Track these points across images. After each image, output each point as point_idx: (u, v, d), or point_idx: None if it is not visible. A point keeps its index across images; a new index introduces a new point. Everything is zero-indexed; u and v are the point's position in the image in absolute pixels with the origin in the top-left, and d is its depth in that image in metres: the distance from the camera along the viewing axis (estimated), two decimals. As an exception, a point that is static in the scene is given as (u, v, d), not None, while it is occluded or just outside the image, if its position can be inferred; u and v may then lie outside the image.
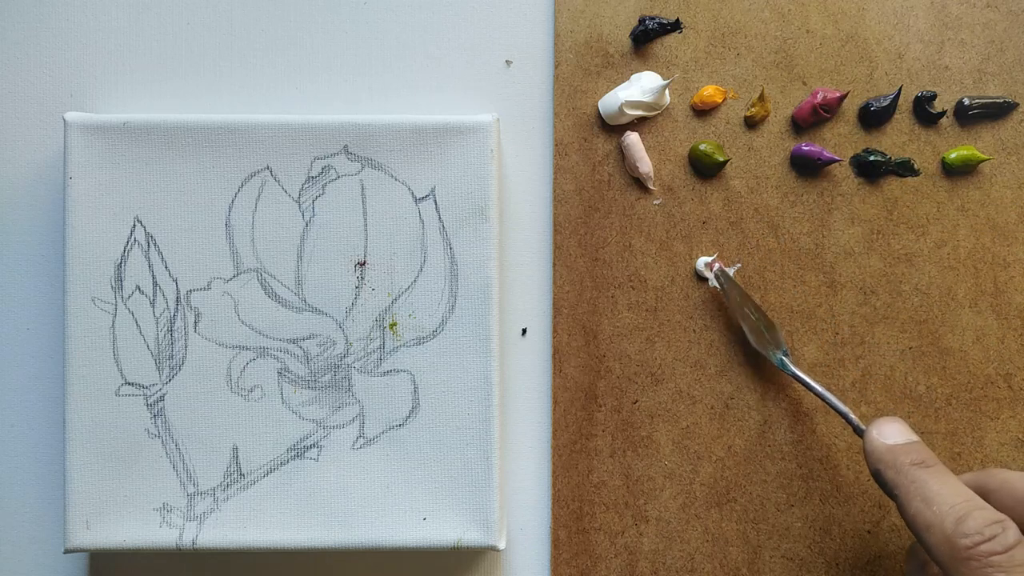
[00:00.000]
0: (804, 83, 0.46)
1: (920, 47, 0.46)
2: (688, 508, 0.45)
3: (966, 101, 0.45)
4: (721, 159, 0.45)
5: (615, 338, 0.45)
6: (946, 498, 0.35)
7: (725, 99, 0.46)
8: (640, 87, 0.45)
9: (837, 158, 0.45)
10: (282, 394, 0.43)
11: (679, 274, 0.45)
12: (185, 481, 0.43)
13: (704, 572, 0.45)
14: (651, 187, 0.45)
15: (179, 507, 0.43)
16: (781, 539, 0.45)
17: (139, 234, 0.43)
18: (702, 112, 0.46)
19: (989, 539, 0.33)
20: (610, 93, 0.45)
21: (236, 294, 0.43)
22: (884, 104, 0.45)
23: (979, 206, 0.45)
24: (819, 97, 0.45)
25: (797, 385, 0.45)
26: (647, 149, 0.45)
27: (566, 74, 0.46)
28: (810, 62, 0.46)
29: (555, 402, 0.45)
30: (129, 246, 0.43)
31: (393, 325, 0.43)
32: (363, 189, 0.43)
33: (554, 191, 0.46)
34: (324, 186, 0.43)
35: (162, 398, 0.43)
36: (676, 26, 0.46)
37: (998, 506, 0.37)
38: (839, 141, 0.46)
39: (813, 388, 0.43)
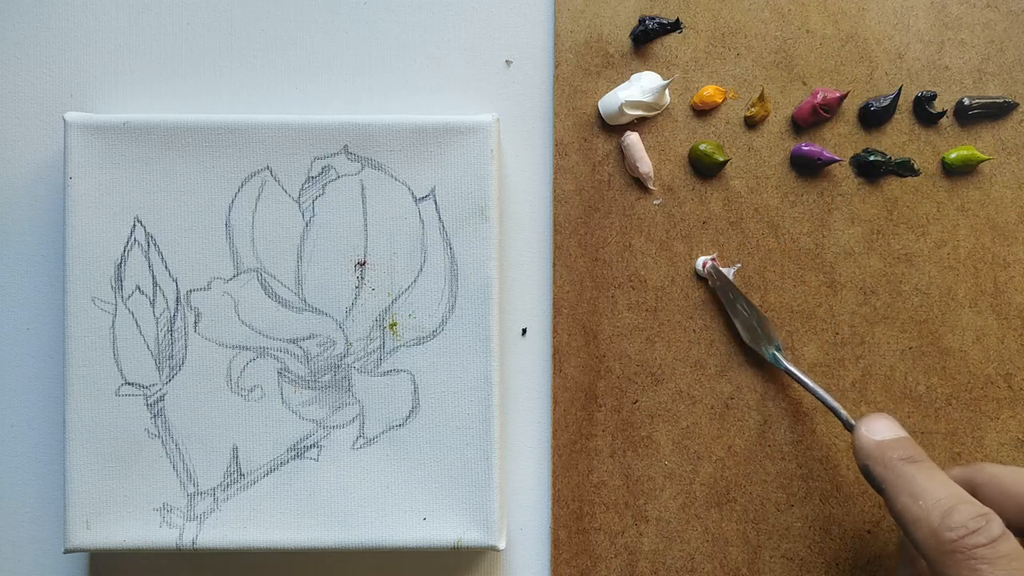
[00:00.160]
0: (804, 83, 0.46)
1: (920, 47, 0.46)
2: (688, 508, 0.45)
3: (966, 101, 0.45)
4: (721, 159, 0.45)
5: (615, 338, 0.45)
6: (932, 493, 0.36)
7: (725, 99, 0.46)
8: (640, 87, 0.45)
9: (837, 158, 0.45)
10: (282, 394, 0.43)
11: (679, 274, 0.45)
12: (185, 481, 0.43)
13: (704, 572, 0.45)
14: (651, 187, 0.45)
15: (179, 507, 0.43)
16: (781, 539, 0.45)
17: (139, 234, 0.43)
18: (702, 112, 0.46)
19: (974, 531, 0.34)
20: (610, 93, 0.45)
21: (236, 294, 0.43)
22: (884, 104, 0.45)
23: (979, 206, 0.45)
24: (819, 97, 0.45)
25: (797, 385, 0.45)
26: (647, 149, 0.45)
27: (566, 74, 0.46)
28: (810, 62, 0.46)
29: (555, 402, 0.45)
30: (129, 246, 0.43)
31: (393, 325, 0.43)
32: (363, 189, 0.43)
33: (554, 191, 0.46)
34: (324, 186, 0.43)
35: (162, 398, 0.43)
36: (676, 26, 0.46)
37: (986, 500, 0.37)
38: (839, 141, 0.46)
39: (805, 384, 0.43)
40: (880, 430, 0.39)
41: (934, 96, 0.45)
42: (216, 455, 0.43)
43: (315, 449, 0.43)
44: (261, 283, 0.43)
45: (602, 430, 0.45)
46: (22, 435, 0.46)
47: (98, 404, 0.43)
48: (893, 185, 0.46)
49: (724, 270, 0.45)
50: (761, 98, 0.45)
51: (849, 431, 0.41)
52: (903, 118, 0.46)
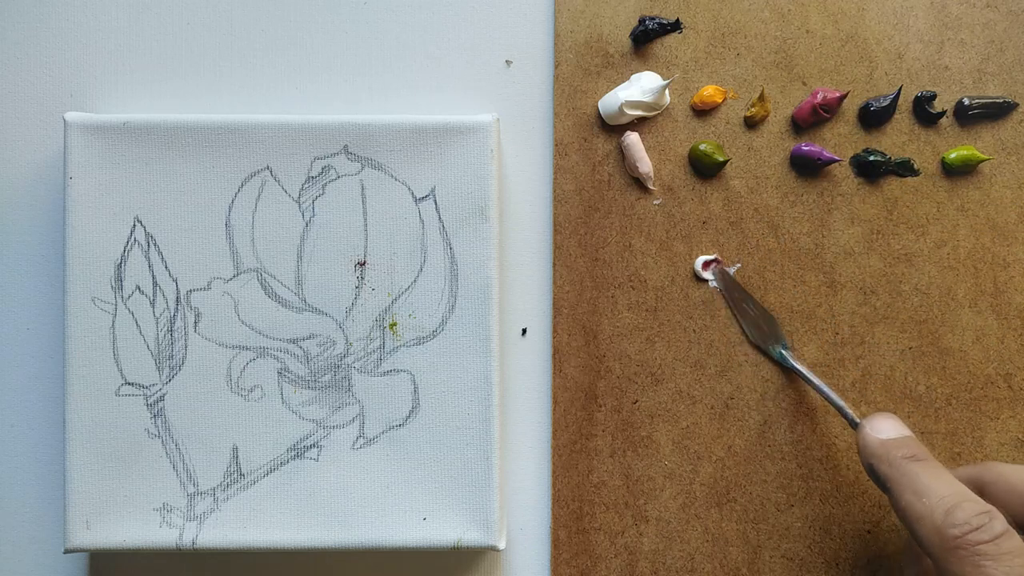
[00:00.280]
0: (804, 83, 0.46)
1: (920, 47, 0.46)
2: (688, 508, 0.45)
3: (966, 101, 0.45)
4: (721, 159, 0.45)
5: (615, 338, 0.45)
6: (936, 490, 0.36)
7: (725, 99, 0.46)
8: (640, 87, 0.45)
9: (837, 158, 0.45)
10: (282, 394, 0.43)
11: (679, 274, 0.45)
12: (185, 481, 0.43)
13: (704, 572, 0.45)
14: (651, 187, 0.45)
15: (179, 507, 0.43)
16: (781, 539, 0.45)
17: (139, 234, 0.43)
18: (702, 112, 0.46)
19: (977, 528, 0.34)
20: (610, 93, 0.45)
21: (236, 294, 0.43)
22: (884, 104, 0.45)
23: (979, 206, 0.45)
24: (819, 97, 0.45)
25: (797, 385, 0.45)
26: (647, 149, 0.45)
27: (566, 74, 0.46)
28: (810, 62, 0.46)
29: (555, 402, 0.45)
30: (129, 246, 0.43)
31: (393, 325, 0.43)
32: (363, 189, 0.43)
33: (554, 191, 0.46)
34: (324, 186, 0.43)
35: (162, 398, 0.43)
36: (676, 26, 0.46)
37: (994, 499, 0.38)
38: (839, 141, 0.46)
39: (812, 382, 0.43)
40: (885, 429, 0.39)
41: (934, 96, 0.45)
42: (216, 455, 0.43)
43: (315, 449, 0.43)
44: (261, 283, 0.43)
45: (602, 430, 0.45)
46: (22, 435, 0.46)
47: (98, 404, 0.43)
48: (893, 185, 0.46)
49: (712, 269, 0.45)
50: (761, 98, 0.45)
51: (856, 430, 0.41)
52: (903, 118, 0.46)
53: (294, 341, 0.43)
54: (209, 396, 0.43)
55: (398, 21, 0.47)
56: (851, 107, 0.46)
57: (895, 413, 0.45)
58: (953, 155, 0.45)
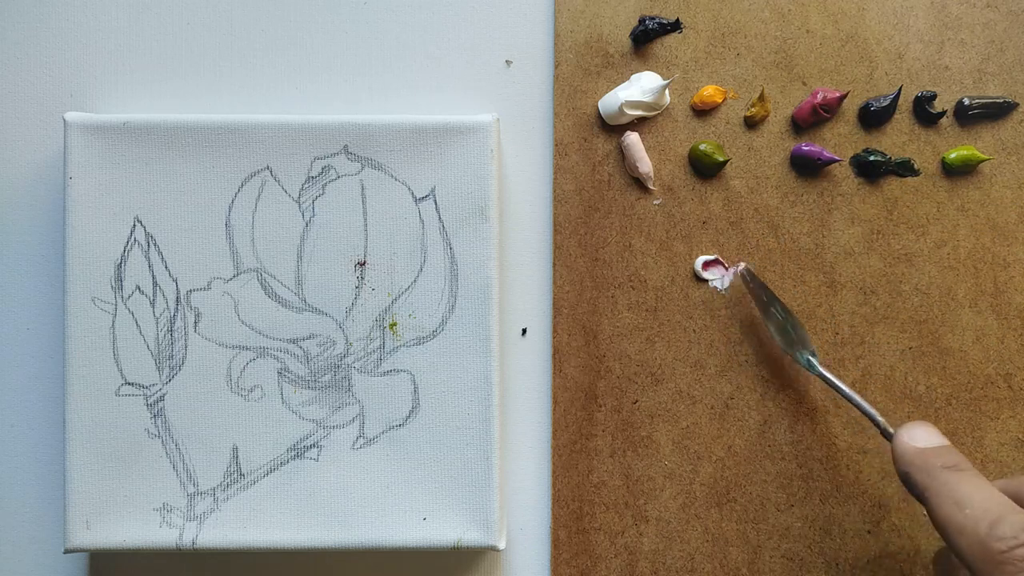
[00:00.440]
0: (804, 83, 0.46)
1: (920, 47, 0.46)
2: (688, 508, 0.45)
3: (966, 101, 0.45)
4: (721, 159, 0.45)
5: (615, 338, 0.45)
6: (980, 502, 0.34)
7: (725, 99, 0.46)
8: (640, 87, 0.45)
9: (837, 158, 0.45)
10: (282, 394, 0.43)
11: (679, 274, 0.45)
12: (185, 481, 0.43)
13: (704, 572, 0.45)
14: (651, 187, 0.45)
15: (179, 507, 0.43)
16: (781, 539, 0.45)
17: (139, 234, 0.43)
18: (702, 112, 0.46)
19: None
20: (610, 93, 0.45)
21: (236, 294, 0.43)
22: (884, 104, 0.45)
23: (979, 206, 0.45)
24: (819, 97, 0.45)
25: (797, 385, 0.45)
26: (647, 149, 0.45)
27: (566, 74, 0.46)
28: (810, 62, 0.46)
29: (555, 402, 0.45)
30: (129, 246, 0.43)
31: (393, 325, 0.43)
32: (363, 189, 0.43)
33: (554, 191, 0.46)
34: (324, 186, 0.43)
35: (162, 398, 0.43)
36: (676, 26, 0.46)
37: None
38: (839, 141, 0.46)
39: (842, 390, 0.42)
40: (922, 437, 0.38)
41: (934, 96, 0.45)
42: (216, 455, 0.43)
43: (315, 449, 0.43)
44: (261, 283, 0.43)
45: (602, 430, 0.45)
46: (22, 435, 0.46)
47: (98, 404, 0.43)
48: (893, 185, 0.46)
49: (723, 277, 0.45)
50: (761, 98, 0.45)
51: (887, 439, 0.40)
52: (903, 118, 0.46)
53: (294, 341, 0.43)
54: (209, 396, 0.43)
55: (398, 21, 0.47)
56: (851, 107, 0.46)
57: (895, 413, 0.45)
58: (953, 155, 0.45)
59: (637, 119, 0.45)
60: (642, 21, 0.46)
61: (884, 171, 0.46)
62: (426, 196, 0.43)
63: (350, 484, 0.43)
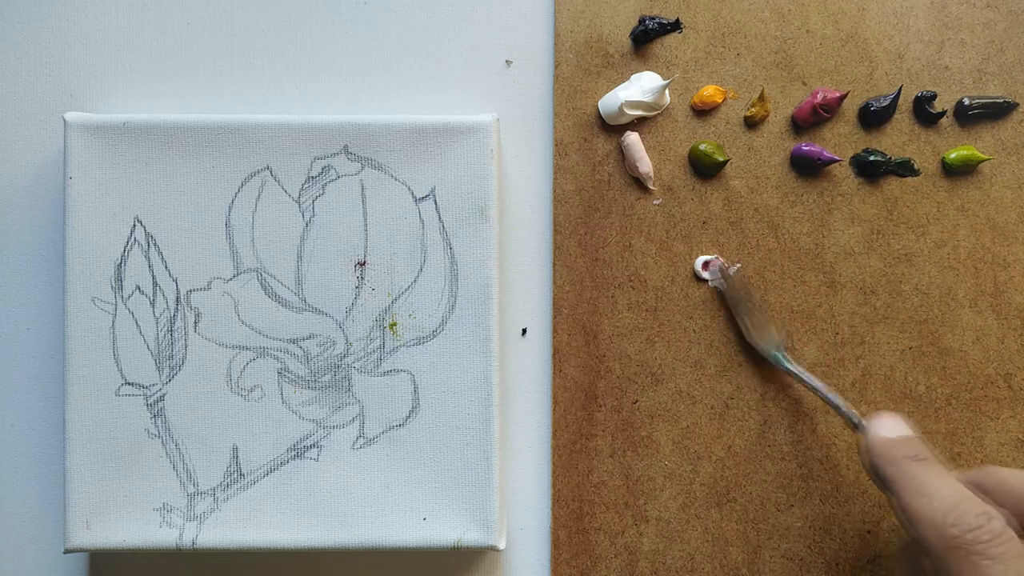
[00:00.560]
0: (804, 83, 0.46)
1: (920, 47, 0.46)
2: (688, 508, 0.45)
3: (966, 101, 0.45)
4: (721, 159, 0.45)
5: (615, 338, 0.45)
6: (939, 491, 0.36)
7: (725, 99, 0.46)
8: (640, 87, 0.45)
9: (837, 158, 0.45)
10: (282, 394, 0.43)
11: (679, 274, 0.45)
12: (185, 481, 0.43)
13: (704, 572, 0.45)
14: (651, 187, 0.45)
15: (179, 507, 0.43)
16: (781, 539, 0.45)
17: (139, 234, 0.43)
18: (702, 112, 0.46)
19: (976, 528, 0.34)
20: (610, 93, 0.45)
21: (236, 294, 0.43)
22: (884, 104, 0.45)
23: (979, 206, 0.45)
24: (819, 97, 0.45)
25: (797, 385, 0.45)
26: (647, 149, 0.45)
27: (566, 74, 0.46)
28: (810, 62, 0.46)
29: (555, 402, 0.45)
30: (129, 246, 0.43)
31: (393, 325, 0.43)
32: (363, 189, 0.43)
33: (554, 191, 0.46)
34: (324, 186, 0.43)
35: (162, 398, 0.43)
36: (676, 26, 0.46)
37: (994, 504, 0.37)
38: (839, 141, 0.46)
39: (810, 384, 0.43)
40: (889, 428, 0.39)
41: (934, 96, 0.45)
42: (216, 455, 0.43)
43: (315, 449, 0.43)
44: (261, 283, 0.43)
45: (602, 430, 0.45)
46: (22, 435, 0.46)
47: (98, 404, 0.43)
48: (893, 185, 0.46)
49: (717, 267, 0.45)
50: (761, 98, 0.45)
51: (855, 430, 0.41)
52: (903, 118, 0.46)
53: (294, 341, 0.43)
54: (209, 396, 0.43)
55: (398, 21, 0.47)
56: (851, 107, 0.46)
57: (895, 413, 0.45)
58: (953, 155, 0.45)
59: (637, 119, 0.45)
60: (642, 21, 0.46)
61: (884, 171, 0.46)
62: (426, 196, 0.43)
63: (350, 484, 0.43)
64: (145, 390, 0.43)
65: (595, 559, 0.45)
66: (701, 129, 0.46)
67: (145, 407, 0.43)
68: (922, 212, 0.46)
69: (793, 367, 0.43)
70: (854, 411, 0.42)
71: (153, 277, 0.43)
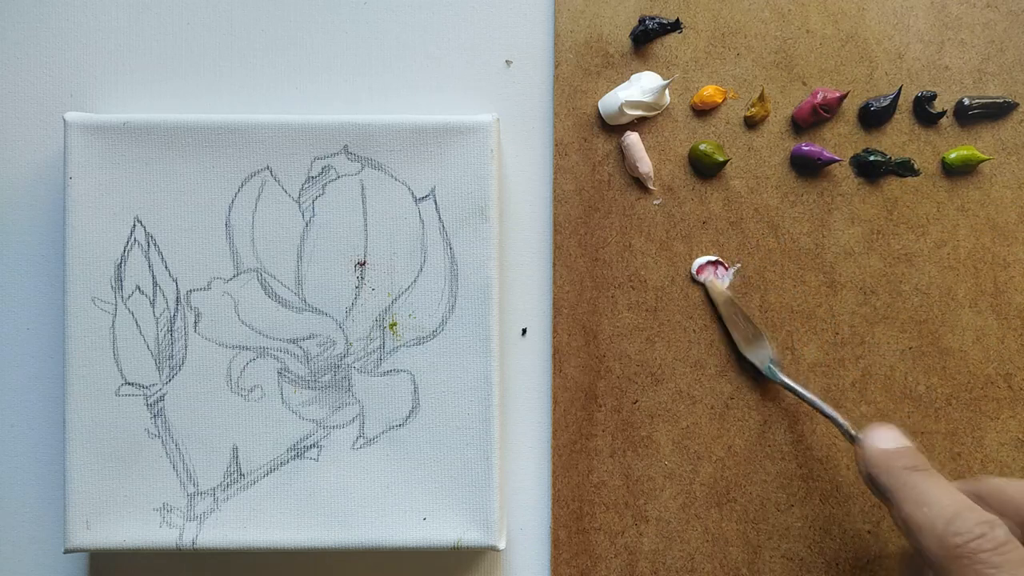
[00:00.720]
0: (804, 83, 0.46)
1: (920, 47, 0.46)
2: (688, 508, 0.45)
3: (966, 101, 0.45)
4: (721, 159, 0.45)
5: (615, 338, 0.45)
6: (938, 500, 0.36)
7: (725, 99, 0.46)
8: (640, 87, 0.45)
9: (837, 158, 0.45)
10: (282, 394, 0.43)
11: (679, 274, 0.45)
12: (185, 481, 0.43)
13: (704, 572, 0.45)
14: (651, 187, 0.45)
15: (179, 507, 0.43)
16: (781, 539, 0.45)
17: (139, 234, 0.43)
18: (702, 112, 0.46)
19: (979, 537, 0.34)
20: (610, 93, 0.45)
21: (236, 294, 0.43)
22: (884, 104, 0.45)
23: (979, 206, 0.45)
24: (819, 97, 0.45)
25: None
26: (647, 149, 0.45)
27: (566, 74, 0.46)
28: (810, 62, 0.46)
29: (555, 402, 0.45)
30: (129, 246, 0.43)
31: (393, 325, 0.43)
32: (363, 189, 0.43)
33: (554, 191, 0.46)
34: (324, 186, 0.43)
35: (162, 398, 0.43)
36: (676, 26, 0.46)
37: (990, 512, 0.37)
38: (839, 141, 0.46)
39: (803, 395, 0.43)
40: (885, 439, 0.39)
41: (934, 96, 0.45)
42: (216, 455, 0.43)
43: (315, 449, 0.43)
44: (261, 283, 0.43)
45: (602, 430, 0.45)
46: (22, 435, 0.46)
47: (98, 404, 0.43)
48: (893, 185, 0.46)
49: (721, 278, 0.45)
50: (761, 98, 0.45)
51: (850, 441, 0.41)
52: (903, 118, 0.46)
53: (294, 341, 0.43)
54: (209, 396, 0.43)
55: (398, 21, 0.47)
56: (851, 107, 0.46)
57: (895, 413, 0.45)
58: (953, 155, 0.45)
59: (637, 119, 0.45)
60: (642, 21, 0.46)
61: (884, 171, 0.46)
62: (426, 196, 0.43)
63: (350, 484, 0.43)
64: (145, 390, 0.43)
65: (595, 559, 0.45)
66: (701, 129, 0.46)
67: (145, 407, 0.43)
68: (922, 212, 0.46)
69: (786, 379, 0.43)
70: (847, 423, 0.41)
71: (153, 277, 0.43)
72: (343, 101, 0.46)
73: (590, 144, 0.46)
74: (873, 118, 0.45)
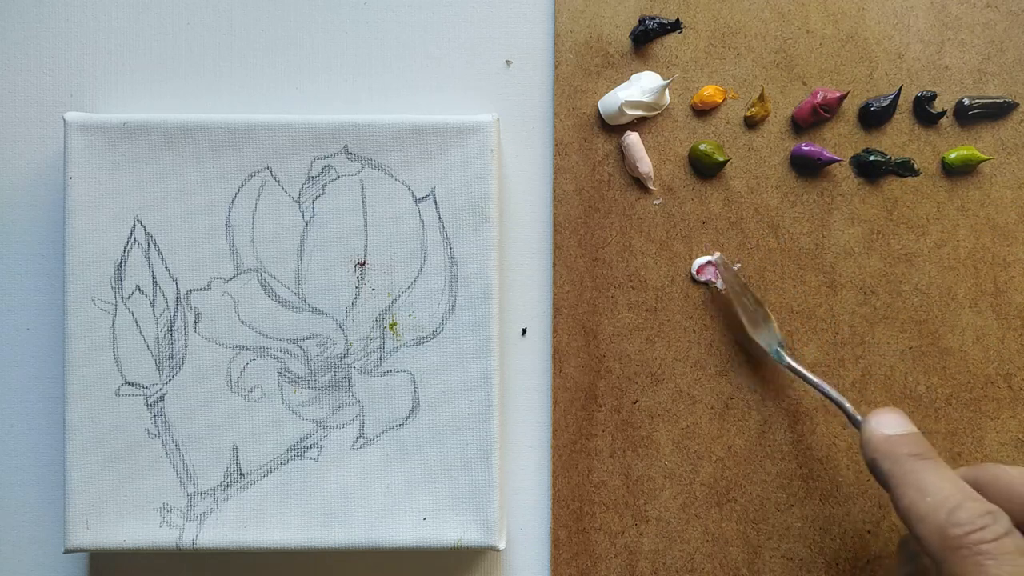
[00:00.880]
0: (804, 83, 0.46)
1: (920, 47, 0.46)
2: (688, 508, 0.45)
3: (966, 101, 0.45)
4: (721, 159, 0.45)
5: (615, 338, 0.45)
6: (940, 489, 0.35)
7: (725, 99, 0.46)
8: (640, 87, 0.45)
9: (837, 158, 0.45)
10: (282, 394, 0.43)
11: (679, 274, 0.45)
12: (185, 481, 0.43)
13: (704, 572, 0.45)
14: (651, 187, 0.45)
15: (179, 507, 0.43)
16: (781, 539, 0.45)
17: (139, 234, 0.43)
18: (702, 112, 0.46)
19: (980, 528, 0.34)
20: (610, 93, 0.45)
21: (236, 294, 0.43)
22: (884, 104, 0.45)
23: (979, 206, 0.45)
24: (819, 97, 0.45)
25: (797, 385, 0.45)
26: (647, 149, 0.45)
27: (566, 74, 0.46)
28: (810, 62, 0.46)
29: (555, 402, 0.45)
30: (129, 246, 0.43)
31: (393, 325, 0.43)
32: (363, 189, 0.43)
33: (554, 191, 0.46)
34: (324, 186, 0.43)
35: (162, 398, 0.43)
36: (676, 26, 0.46)
37: (991, 500, 0.37)
38: (839, 141, 0.46)
39: (809, 379, 0.42)
40: (890, 424, 0.38)
41: (934, 96, 0.45)
42: (216, 455, 0.43)
43: (315, 449, 0.43)
44: (261, 283, 0.43)
45: (602, 430, 0.45)
46: (22, 435, 0.46)
47: (98, 404, 0.43)
48: (893, 185, 0.46)
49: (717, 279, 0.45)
50: (761, 98, 0.45)
51: (855, 427, 0.41)
52: (903, 118, 0.46)
53: (294, 341, 0.43)
54: (209, 396, 0.43)
55: (398, 21, 0.47)
56: (851, 107, 0.46)
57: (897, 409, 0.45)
58: (953, 155, 0.45)
59: (637, 119, 0.45)
60: (642, 21, 0.46)
61: (884, 171, 0.46)
62: (426, 196, 0.43)
63: (350, 484, 0.43)
64: (145, 390, 0.43)
65: (595, 559, 0.45)
66: (701, 129, 0.46)
67: (145, 407, 0.43)
68: (922, 212, 0.46)
69: (793, 362, 0.43)
70: (852, 408, 0.41)
71: (153, 277, 0.43)
72: (343, 101, 0.46)
73: (590, 144, 0.46)
74: (873, 118, 0.45)
